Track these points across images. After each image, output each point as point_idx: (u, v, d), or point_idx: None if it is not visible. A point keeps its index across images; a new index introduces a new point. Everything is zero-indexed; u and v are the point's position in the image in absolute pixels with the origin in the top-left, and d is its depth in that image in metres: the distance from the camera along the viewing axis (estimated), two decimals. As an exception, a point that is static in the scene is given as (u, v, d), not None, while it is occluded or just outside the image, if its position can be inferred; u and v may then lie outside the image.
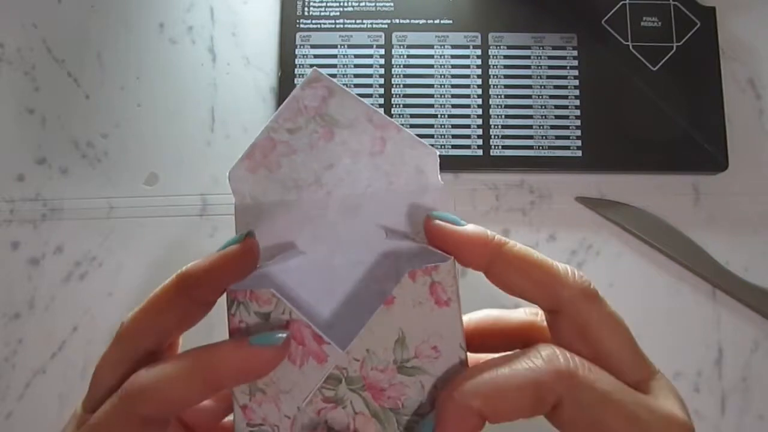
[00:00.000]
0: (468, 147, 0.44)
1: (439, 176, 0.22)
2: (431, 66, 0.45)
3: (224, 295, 0.21)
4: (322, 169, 0.22)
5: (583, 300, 0.20)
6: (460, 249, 0.21)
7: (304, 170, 0.22)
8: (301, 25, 0.46)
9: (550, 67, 0.45)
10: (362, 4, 0.46)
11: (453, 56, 0.45)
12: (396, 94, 0.45)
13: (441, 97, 0.45)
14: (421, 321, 0.20)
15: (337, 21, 0.46)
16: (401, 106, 0.45)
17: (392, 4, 0.46)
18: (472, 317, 0.24)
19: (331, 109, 0.21)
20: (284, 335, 0.20)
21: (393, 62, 0.45)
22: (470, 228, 0.21)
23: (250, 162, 0.22)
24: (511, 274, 0.21)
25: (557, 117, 0.45)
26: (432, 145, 0.44)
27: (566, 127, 0.44)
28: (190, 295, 0.21)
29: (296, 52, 0.46)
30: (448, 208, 0.23)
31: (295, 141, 0.21)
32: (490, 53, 0.46)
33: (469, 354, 0.21)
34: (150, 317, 0.21)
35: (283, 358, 0.20)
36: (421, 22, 0.46)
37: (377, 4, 0.46)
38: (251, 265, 0.21)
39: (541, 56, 0.46)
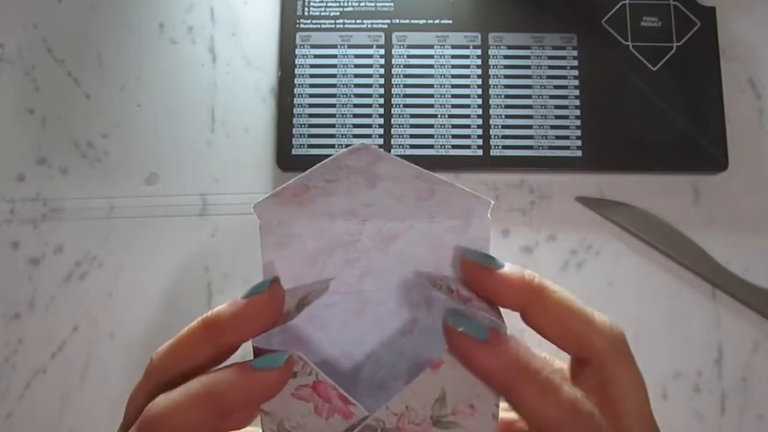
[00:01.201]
0: (468, 147, 0.44)
1: (488, 217, 0.21)
2: (431, 66, 0.45)
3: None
4: (360, 206, 0.21)
5: (614, 356, 0.21)
6: (496, 292, 0.21)
7: (339, 206, 0.21)
8: (301, 25, 0.46)
9: (550, 67, 0.45)
10: (362, 4, 0.46)
11: (453, 56, 0.45)
12: (396, 94, 0.45)
13: (441, 97, 0.45)
14: (463, 382, 0.20)
15: (337, 21, 0.46)
16: (401, 106, 0.45)
17: (392, 4, 0.46)
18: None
19: (378, 168, 0.19)
20: (286, 356, 0.20)
21: (393, 62, 0.45)
22: (507, 270, 0.20)
23: (279, 198, 0.20)
24: (547, 320, 0.21)
25: (557, 117, 0.45)
26: (432, 146, 0.44)
27: (566, 127, 0.44)
28: (215, 341, 0.21)
29: (296, 52, 0.46)
30: (489, 246, 0.21)
31: (332, 187, 0.20)
32: (490, 53, 0.46)
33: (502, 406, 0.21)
34: (176, 357, 0.21)
35: (288, 378, 0.20)
36: (421, 22, 0.46)
37: (377, 4, 0.46)
38: (277, 313, 0.21)
39: (541, 56, 0.46)
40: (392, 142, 0.44)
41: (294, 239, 0.21)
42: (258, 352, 0.20)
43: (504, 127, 0.44)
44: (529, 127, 0.44)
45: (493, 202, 0.20)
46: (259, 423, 0.21)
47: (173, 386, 0.21)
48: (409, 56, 0.46)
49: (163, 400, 0.20)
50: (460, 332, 0.19)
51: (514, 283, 0.20)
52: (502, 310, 0.21)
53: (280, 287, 0.21)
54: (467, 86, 0.45)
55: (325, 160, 0.19)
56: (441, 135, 0.44)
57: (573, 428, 0.19)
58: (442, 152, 0.44)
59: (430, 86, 0.45)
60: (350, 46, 0.46)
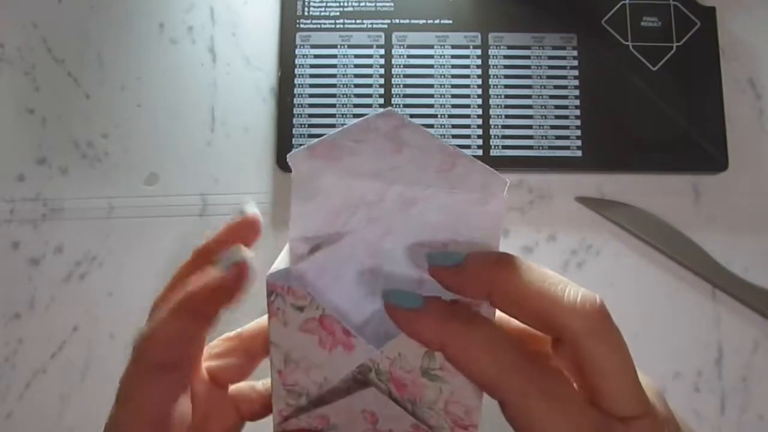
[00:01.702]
0: (468, 147, 0.44)
1: (504, 195, 0.21)
2: (431, 66, 0.45)
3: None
4: (386, 168, 0.21)
5: (587, 335, 0.19)
6: (458, 290, 0.21)
7: (365, 165, 0.21)
8: (301, 25, 0.46)
9: (550, 67, 0.45)
10: (362, 4, 0.46)
11: (453, 56, 0.45)
12: (396, 94, 0.45)
13: (441, 97, 0.45)
14: None
15: (337, 21, 0.46)
16: (401, 106, 0.45)
17: (392, 4, 0.46)
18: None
19: (403, 134, 0.20)
20: (244, 254, 0.22)
21: (393, 62, 0.45)
22: (467, 265, 0.21)
23: (311, 151, 0.21)
24: (509, 305, 0.20)
25: (557, 117, 0.45)
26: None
27: (566, 127, 0.44)
28: (192, 313, 0.22)
29: (296, 52, 0.46)
30: (503, 222, 0.22)
31: (359, 148, 0.21)
32: (490, 53, 0.46)
33: None
34: (160, 336, 0.22)
35: (248, 275, 0.22)
36: (421, 22, 0.46)
37: (377, 4, 0.46)
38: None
39: (541, 56, 0.46)
40: (392, 142, 0.44)
41: (320, 193, 0.22)
42: (271, 288, 0.21)
43: (504, 127, 0.44)
44: (529, 127, 0.44)
45: (509, 181, 0.21)
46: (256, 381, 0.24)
47: (164, 368, 0.22)
48: (409, 56, 0.46)
49: (147, 324, 0.22)
50: (391, 305, 0.20)
51: (474, 279, 0.20)
52: None
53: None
54: (467, 86, 0.45)
55: (356, 121, 0.20)
56: (441, 135, 0.44)
57: (507, 386, 0.19)
58: (442, 152, 0.44)
59: (430, 86, 0.45)
60: (350, 46, 0.46)
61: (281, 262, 0.22)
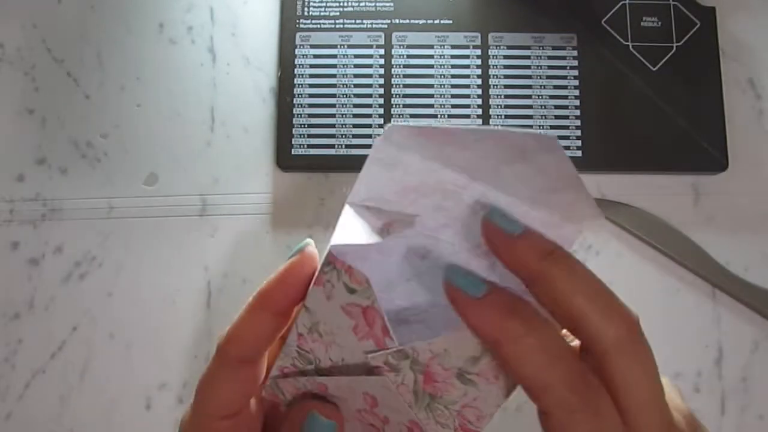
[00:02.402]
0: (468, 147, 0.44)
1: (582, 228, 0.21)
2: (431, 66, 0.45)
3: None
4: (478, 169, 0.21)
5: (615, 352, 0.19)
6: (505, 259, 0.21)
7: (460, 160, 0.21)
8: (301, 25, 0.46)
9: (550, 67, 0.45)
10: (362, 4, 0.46)
11: (453, 56, 0.45)
12: (396, 94, 0.45)
13: (441, 97, 0.45)
14: None
15: (337, 21, 0.46)
16: (401, 106, 0.45)
17: (392, 4, 0.46)
18: None
19: (541, 157, 0.20)
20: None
21: (393, 62, 0.45)
22: (523, 238, 0.20)
23: (412, 129, 0.20)
24: (546, 300, 0.20)
25: (557, 117, 0.45)
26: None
27: (566, 127, 0.44)
28: (270, 309, 0.23)
29: (296, 52, 0.46)
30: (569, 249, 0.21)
31: (473, 145, 0.20)
32: (490, 53, 0.46)
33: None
34: (242, 334, 0.23)
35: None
36: (421, 22, 0.46)
37: (377, 4, 0.46)
38: (311, 271, 0.22)
39: (541, 56, 0.46)
40: (392, 142, 0.44)
41: (401, 166, 0.21)
42: (331, 259, 0.21)
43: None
44: (529, 127, 0.44)
45: (601, 219, 0.21)
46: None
47: (246, 364, 0.23)
48: (409, 56, 0.45)
49: (232, 323, 0.23)
50: (453, 286, 0.20)
51: (522, 251, 0.20)
52: None
53: (311, 250, 0.22)
54: (467, 86, 0.45)
55: (504, 129, 0.19)
56: (441, 135, 0.44)
57: (554, 397, 0.19)
58: (442, 152, 0.44)
59: (430, 86, 0.45)
60: (350, 46, 0.46)
61: (345, 231, 0.21)
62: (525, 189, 0.21)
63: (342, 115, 0.45)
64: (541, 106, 0.45)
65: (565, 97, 0.45)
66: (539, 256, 0.20)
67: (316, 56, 0.45)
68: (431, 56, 0.45)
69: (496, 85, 0.45)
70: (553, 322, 0.20)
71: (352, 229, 0.21)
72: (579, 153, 0.44)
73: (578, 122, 0.44)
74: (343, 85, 0.45)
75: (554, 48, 0.46)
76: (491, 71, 0.45)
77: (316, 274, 0.21)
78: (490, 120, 0.44)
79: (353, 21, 0.46)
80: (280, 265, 0.22)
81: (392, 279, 0.23)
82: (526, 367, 0.19)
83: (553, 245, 0.20)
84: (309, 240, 0.23)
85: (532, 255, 0.20)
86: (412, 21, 0.46)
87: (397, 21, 0.46)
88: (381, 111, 0.45)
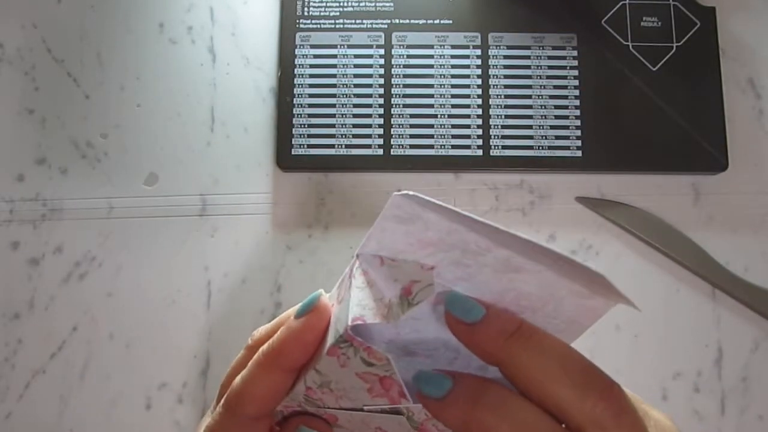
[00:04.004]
0: (468, 147, 0.44)
1: (613, 302, 0.21)
2: (431, 66, 0.45)
3: None
4: (500, 240, 0.20)
5: (592, 428, 0.18)
6: (471, 349, 0.20)
7: (483, 230, 0.20)
8: (301, 25, 0.46)
9: (550, 67, 0.45)
10: (362, 4, 0.46)
11: (453, 56, 0.45)
12: (396, 94, 0.45)
13: (441, 97, 0.45)
14: None
15: (337, 21, 0.46)
16: (401, 106, 0.45)
17: (392, 4, 0.46)
18: None
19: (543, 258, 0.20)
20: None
21: (393, 62, 0.45)
22: (482, 325, 0.20)
23: (428, 203, 0.20)
24: (517, 383, 0.20)
25: (557, 117, 0.45)
26: (432, 146, 0.44)
27: (566, 127, 0.44)
28: (283, 367, 0.23)
29: (296, 52, 0.46)
30: (594, 323, 0.21)
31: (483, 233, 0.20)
32: (490, 53, 0.46)
33: None
34: (251, 390, 0.23)
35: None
36: (421, 22, 0.46)
37: (377, 4, 0.46)
38: (325, 324, 0.22)
39: (541, 56, 0.45)
40: (392, 142, 0.44)
41: (419, 222, 0.21)
42: (348, 338, 0.21)
43: (504, 127, 0.44)
44: (529, 127, 0.44)
45: (440, 153, 0.20)
46: None
47: (260, 420, 0.23)
48: (409, 56, 0.45)
49: (237, 380, 0.23)
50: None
51: (483, 338, 0.20)
52: None
53: (324, 304, 0.22)
54: (467, 86, 0.45)
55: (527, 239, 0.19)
56: (441, 135, 0.44)
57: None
58: (442, 152, 0.44)
59: (430, 86, 0.45)
60: (350, 46, 0.46)
61: (362, 303, 0.21)
62: (545, 259, 0.20)
63: (342, 115, 0.45)
64: (541, 106, 0.45)
65: (565, 97, 0.45)
66: (501, 339, 0.20)
67: (316, 56, 0.45)
68: (431, 56, 0.45)
69: (496, 85, 0.45)
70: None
71: (368, 301, 0.21)
72: (579, 153, 0.44)
73: (578, 122, 0.44)
74: (343, 85, 0.45)
75: (554, 48, 0.46)
76: (491, 71, 0.45)
77: (328, 345, 0.21)
78: (490, 120, 0.44)
79: (353, 21, 0.46)
80: (292, 321, 0.22)
81: (404, 328, 0.23)
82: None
83: (517, 323, 0.20)
84: (320, 291, 0.23)
85: (493, 341, 0.20)
86: (412, 21, 0.46)
87: (397, 21, 0.46)
88: (381, 111, 0.45)
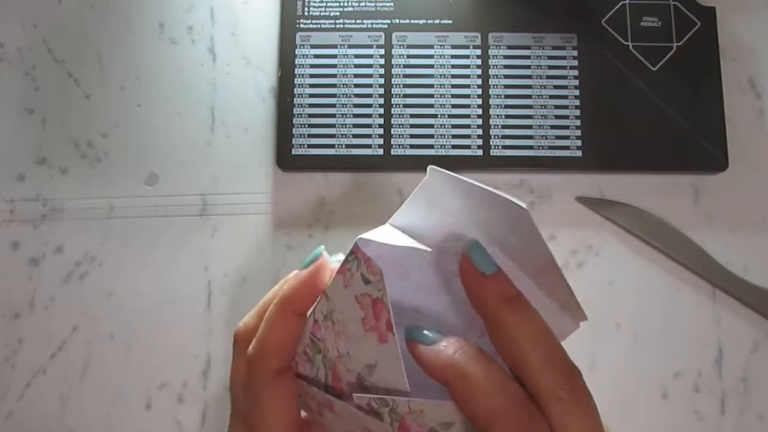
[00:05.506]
0: (468, 147, 0.44)
1: (579, 325, 0.24)
2: (431, 66, 0.45)
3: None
4: (503, 235, 0.23)
5: (554, 402, 0.20)
6: (470, 293, 0.23)
7: (493, 227, 0.23)
8: (301, 25, 0.46)
9: (550, 67, 0.45)
10: (362, 4, 0.46)
11: (453, 56, 0.45)
12: (396, 94, 0.45)
13: (441, 97, 0.45)
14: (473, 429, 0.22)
15: (337, 21, 0.46)
16: (401, 106, 0.45)
17: (392, 4, 0.46)
18: None
19: (528, 234, 0.23)
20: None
21: (393, 62, 0.45)
22: (492, 279, 0.22)
23: (461, 182, 0.23)
24: (495, 341, 0.22)
25: (557, 117, 0.45)
26: (432, 146, 0.44)
27: (566, 127, 0.44)
28: (294, 311, 0.24)
29: (296, 52, 0.46)
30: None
31: (495, 214, 0.23)
32: (490, 53, 0.46)
33: None
34: (268, 336, 0.24)
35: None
36: (421, 22, 0.46)
37: (377, 4, 0.46)
38: (326, 275, 0.24)
39: (541, 56, 0.46)
40: (392, 142, 0.44)
41: (439, 206, 0.24)
42: (354, 249, 0.23)
43: (504, 127, 0.44)
44: (529, 127, 0.44)
45: (438, 153, 0.24)
46: None
47: (282, 374, 0.24)
48: (409, 56, 0.45)
49: (255, 339, 0.24)
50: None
51: (487, 289, 0.22)
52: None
53: (326, 255, 0.25)
54: (467, 86, 0.45)
55: (519, 206, 0.22)
56: (441, 135, 0.44)
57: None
58: (442, 152, 0.44)
59: (430, 86, 0.45)
60: (350, 46, 0.46)
61: (376, 231, 0.23)
62: (529, 267, 0.23)
63: (342, 115, 0.45)
64: (541, 106, 0.45)
65: (565, 97, 0.45)
66: (500, 299, 0.22)
67: (316, 56, 0.46)
68: (431, 56, 0.45)
69: (496, 85, 0.45)
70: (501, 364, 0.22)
71: (382, 232, 0.24)
72: (579, 153, 0.44)
73: (578, 122, 0.44)
74: (343, 85, 0.45)
75: (554, 48, 0.46)
76: (491, 71, 0.45)
77: (341, 263, 0.23)
78: (490, 120, 0.44)
79: (353, 21, 0.46)
80: (300, 271, 0.24)
81: (409, 293, 0.25)
82: (469, 403, 0.20)
83: (516, 292, 0.22)
84: (322, 247, 0.25)
85: (493, 297, 0.22)
86: (412, 21, 0.46)
87: (397, 21, 0.46)
88: (381, 111, 0.45)
